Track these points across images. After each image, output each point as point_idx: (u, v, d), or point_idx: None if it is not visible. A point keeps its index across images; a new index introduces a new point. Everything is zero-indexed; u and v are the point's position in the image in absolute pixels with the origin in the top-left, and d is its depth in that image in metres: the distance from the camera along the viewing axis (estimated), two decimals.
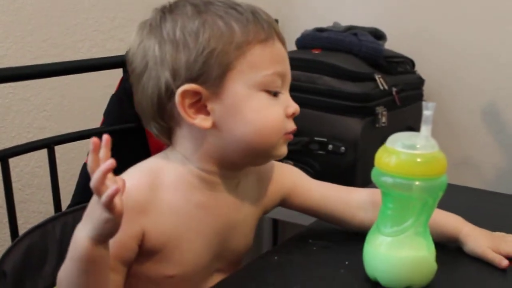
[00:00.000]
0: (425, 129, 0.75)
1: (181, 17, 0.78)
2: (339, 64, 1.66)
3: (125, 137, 1.02)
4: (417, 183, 0.74)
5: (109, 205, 0.64)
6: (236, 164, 0.83)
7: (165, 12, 0.80)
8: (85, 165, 1.06)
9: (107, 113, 1.08)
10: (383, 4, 2.00)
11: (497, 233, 0.90)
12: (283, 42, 0.83)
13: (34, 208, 1.43)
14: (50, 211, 1.51)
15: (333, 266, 0.83)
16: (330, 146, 1.62)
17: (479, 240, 0.86)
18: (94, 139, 0.65)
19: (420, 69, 1.89)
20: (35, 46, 1.45)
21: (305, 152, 1.65)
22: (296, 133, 1.63)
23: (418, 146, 0.75)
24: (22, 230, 0.99)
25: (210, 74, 0.76)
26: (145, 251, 0.79)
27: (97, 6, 1.56)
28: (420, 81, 1.88)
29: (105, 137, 0.65)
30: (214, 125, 0.78)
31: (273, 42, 0.80)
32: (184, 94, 0.76)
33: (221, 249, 0.84)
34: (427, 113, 0.75)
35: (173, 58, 0.77)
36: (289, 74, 0.83)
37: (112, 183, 0.64)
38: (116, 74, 1.10)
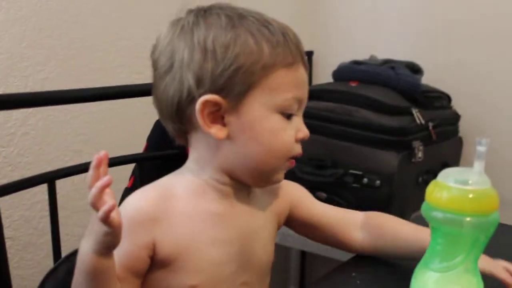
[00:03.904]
0: (478, 164, 0.75)
1: (214, 27, 0.79)
2: (376, 97, 1.67)
3: (169, 163, 1.03)
4: (468, 219, 0.73)
5: (105, 220, 0.66)
6: (239, 179, 0.84)
7: (198, 16, 0.81)
8: (126, 189, 1.07)
9: (151, 139, 1.10)
10: (419, 38, 2.01)
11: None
12: (305, 66, 0.84)
13: (68, 231, 1.44)
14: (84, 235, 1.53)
15: None
16: (365, 180, 1.62)
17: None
18: (97, 155, 0.67)
19: (456, 104, 1.89)
20: (76, 70, 1.48)
21: (340, 184, 1.65)
22: (330, 165, 1.67)
23: (470, 181, 0.74)
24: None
25: (233, 89, 0.78)
26: (160, 261, 0.80)
27: (139, 33, 1.59)
28: (456, 117, 1.88)
29: (103, 152, 0.68)
30: (229, 137, 0.80)
31: (298, 67, 0.82)
32: (205, 103, 0.78)
33: (243, 259, 0.85)
34: (480, 148, 0.74)
35: (200, 66, 0.78)
36: (306, 99, 0.84)
37: (109, 198, 0.66)
38: None
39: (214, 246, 0.82)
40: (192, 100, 0.79)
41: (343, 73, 1.83)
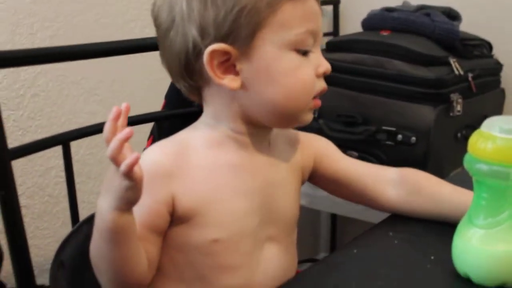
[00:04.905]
0: None
1: None
2: (410, 46, 1.64)
3: (189, 121, 1.03)
4: None
5: (128, 174, 0.66)
6: (263, 124, 0.85)
7: None
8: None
9: (169, 96, 1.10)
10: None
11: None
12: None
13: (84, 198, 1.46)
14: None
15: (418, 261, 0.83)
16: (400, 136, 1.61)
17: None
18: (116, 107, 0.67)
19: (498, 53, 1.86)
20: (86, 26, 1.49)
21: (372, 142, 1.65)
22: (361, 122, 1.66)
23: None
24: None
25: (239, 33, 0.77)
26: (180, 217, 0.81)
27: None
28: (498, 66, 1.85)
29: (125, 104, 0.68)
30: (243, 86, 0.80)
31: None
32: (213, 54, 0.78)
33: (266, 212, 0.86)
34: None
35: (201, 15, 0.77)
36: (321, 32, 0.83)
37: (129, 152, 0.67)
38: None
39: (235, 198, 0.83)
40: (199, 53, 0.79)
41: (374, 21, 1.80)
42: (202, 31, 0.78)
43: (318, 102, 0.84)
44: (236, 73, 0.80)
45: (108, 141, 0.66)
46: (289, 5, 0.78)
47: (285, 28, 0.78)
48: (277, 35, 0.78)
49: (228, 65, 0.79)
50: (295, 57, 0.80)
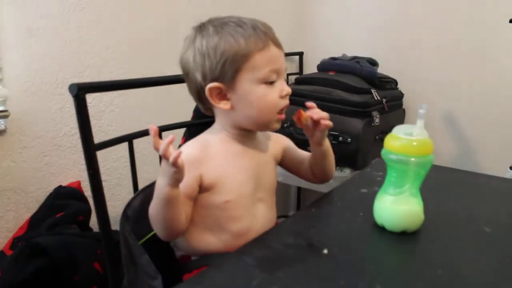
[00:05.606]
0: (419, 122, 0.74)
1: (206, 36, 0.78)
2: (347, 82, 1.65)
3: (208, 127, 1.02)
4: (412, 159, 0.73)
5: (174, 163, 0.67)
6: (249, 129, 0.84)
7: (196, 31, 0.81)
8: (179, 146, 1.07)
9: (196, 110, 1.08)
10: (376, 41, 1.99)
11: None
12: (277, 44, 0.80)
13: (141, 176, 1.44)
14: (152, 178, 1.53)
15: (352, 216, 0.82)
16: (341, 138, 1.62)
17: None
18: (154, 127, 0.66)
19: (401, 86, 1.87)
20: (145, 67, 1.47)
21: None
22: None
23: (414, 134, 0.73)
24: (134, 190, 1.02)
25: (226, 75, 0.77)
26: (205, 187, 0.80)
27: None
28: (401, 95, 1.86)
29: (154, 126, 0.66)
30: (232, 107, 0.80)
31: (269, 48, 0.78)
32: (211, 89, 0.78)
33: (257, 182, 0.85)
34: (421, 111, 0.73)
35: (202, 66, 0.78)
36: (283, 68, 0.80)
37: (173, 149, 0.67)
38: None
39: (238, 173, 0.82)
40: (203, 89, 0.79)
41: (324, 66, 1.81)
42: (203, 76, 0.78)
43: (282, 116, 0.82)
44: (227, 99, 0.79)
45: (156, 149, 0.67)
46: (257, 54, 0.77)
47: (255, 70, 0.77)
48: (250, 75, 0.77)
49: (221, 95, 0.79)
50: (263, 88, 0.78)
